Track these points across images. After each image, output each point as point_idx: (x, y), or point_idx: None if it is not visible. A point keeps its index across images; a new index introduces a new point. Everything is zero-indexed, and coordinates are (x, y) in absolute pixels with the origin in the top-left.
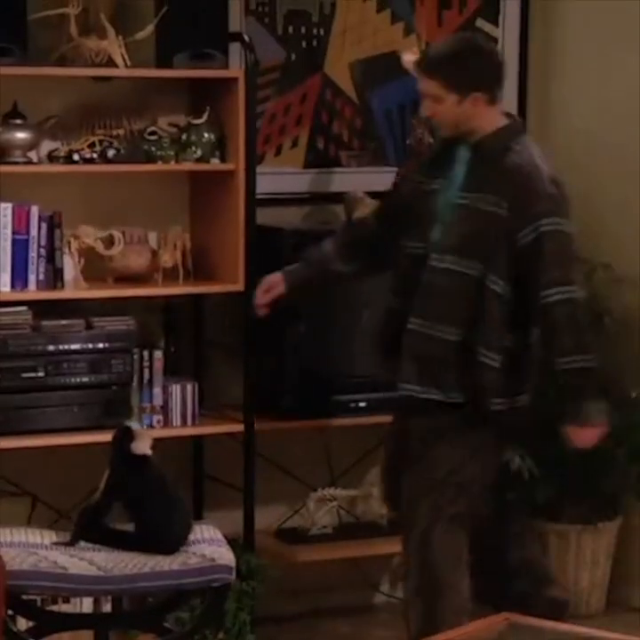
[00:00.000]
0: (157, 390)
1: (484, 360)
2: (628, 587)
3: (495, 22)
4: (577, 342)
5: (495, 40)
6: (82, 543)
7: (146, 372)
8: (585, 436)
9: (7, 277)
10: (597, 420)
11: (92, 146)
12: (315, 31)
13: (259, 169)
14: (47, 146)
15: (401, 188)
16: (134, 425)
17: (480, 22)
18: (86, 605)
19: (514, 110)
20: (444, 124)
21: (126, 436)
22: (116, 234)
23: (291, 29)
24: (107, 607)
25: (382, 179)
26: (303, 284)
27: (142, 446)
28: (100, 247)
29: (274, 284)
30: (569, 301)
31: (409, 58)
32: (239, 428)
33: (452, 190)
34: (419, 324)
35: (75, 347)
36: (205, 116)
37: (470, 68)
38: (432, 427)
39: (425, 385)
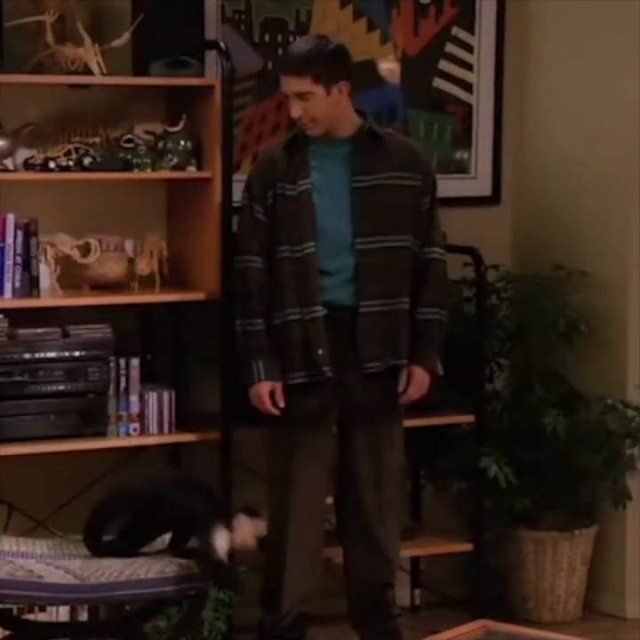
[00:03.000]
0: (134, 398)
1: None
2: (604, 593)
3: (471, 31)
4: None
5: (471, 48)
6: (61, 549)
7: (122, 380)
8: (426, 381)
9: None
10: (438, 371)
11: (68, 154)
12: (291, 39)
13: (235, 177)
14: (23, 153)
15: (258, 208)
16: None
17: (456, 30)
18: (63, 614)
19: (490, 119)
20: (318, 119)
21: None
22: (93, 242)
23: (267, 37)
24: (83, 616)
25: None
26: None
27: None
28: (76, 255)
29: (271, 392)
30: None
31: (385, 66)
32: (216, 435)
33: (334, 180)
34: (379, 304)
35: (51, 355)
36: (182, 124)
37: (335, 59)
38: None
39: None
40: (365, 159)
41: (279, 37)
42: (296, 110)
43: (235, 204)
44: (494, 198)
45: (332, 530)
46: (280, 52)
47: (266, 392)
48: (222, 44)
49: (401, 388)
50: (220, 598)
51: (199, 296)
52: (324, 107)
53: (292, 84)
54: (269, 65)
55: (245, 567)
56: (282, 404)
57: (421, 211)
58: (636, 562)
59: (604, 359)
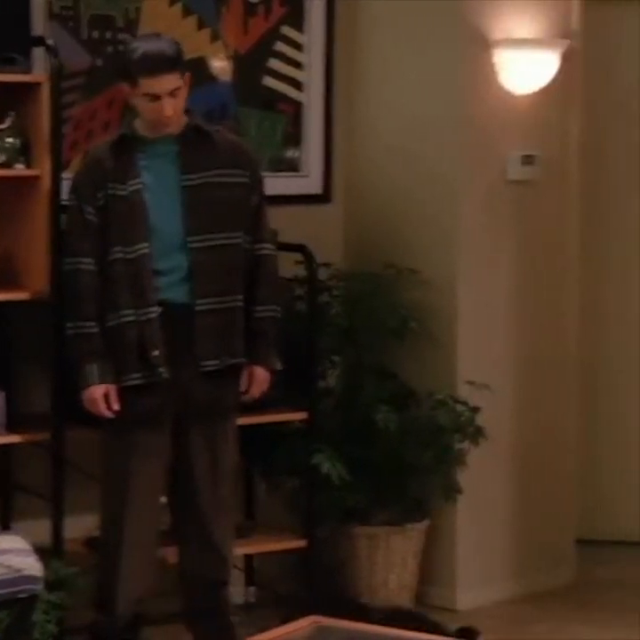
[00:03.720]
0: None
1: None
2: (435, 587)
3: (300, 29)
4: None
5: (300, 46)
6: None
7: None
8: (267, 379)
9: None
10: (277, 366)
11: None
12: (120, 36)
13: (64, 175)
14: None
15: (89, 209)
16: None
17: (285, 29)
18: None
19: (320, 117)
20: (180, 113)
21: None
22: None
23: (95, 34)
24: None
25: None
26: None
27: None
28: None
29: (105, 395)
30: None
31: (216, 64)
32: (47, 436)
33: (164, 179)
34: (214, 302)
35: None
36: (9, 121)
37: (183, 52)
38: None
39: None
40: (193, 157)
41: (108, 34)
42: (169, 108)
43: (63, 203)
44: (325, 196)
45: (167, 529)
46: (109, 49)
47: (100, 395)
48: (50, 41)
49: (243, 388)
50: (51, 600)
51: (28, 295)
52: (183, 100)
53: (166, 83)
54: (98, 62)
55: (76, 568)
56: (116, 407)
57: (250, 208)
58: (466, 555)
59: (434, 356)
